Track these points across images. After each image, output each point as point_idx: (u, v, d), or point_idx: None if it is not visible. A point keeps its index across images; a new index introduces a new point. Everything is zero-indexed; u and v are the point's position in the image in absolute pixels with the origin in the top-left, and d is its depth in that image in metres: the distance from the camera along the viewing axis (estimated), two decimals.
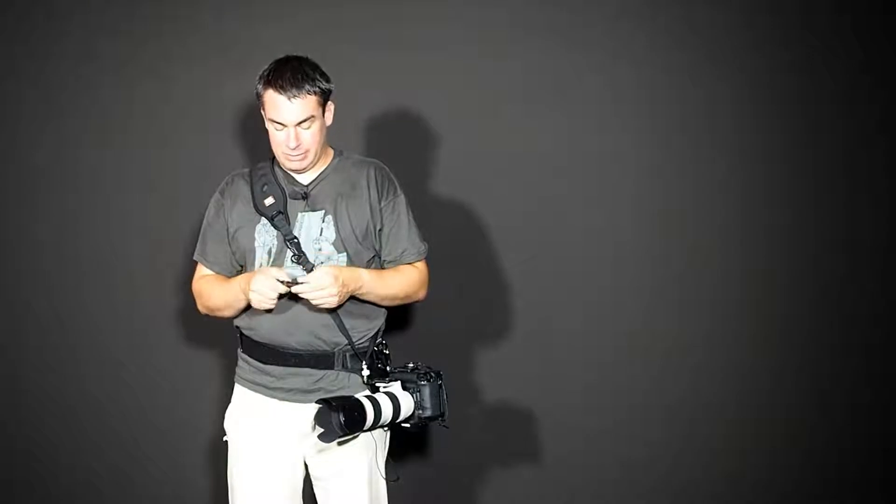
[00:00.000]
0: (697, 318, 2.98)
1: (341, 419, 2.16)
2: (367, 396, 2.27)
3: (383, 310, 2.47)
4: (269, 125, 2.34)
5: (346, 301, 2.33)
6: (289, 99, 2.28)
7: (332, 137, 2.44)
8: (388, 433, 2.48)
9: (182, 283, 3.00)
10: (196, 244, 2.51)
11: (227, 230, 2.43)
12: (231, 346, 2.59)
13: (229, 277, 2.45)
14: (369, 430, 2.26)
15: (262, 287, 2.25)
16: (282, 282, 2.24)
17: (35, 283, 3.17)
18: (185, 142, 3.10)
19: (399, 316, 2.91)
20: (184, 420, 3.14)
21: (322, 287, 2.25)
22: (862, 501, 2.96)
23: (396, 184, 2.48)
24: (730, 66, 2.93)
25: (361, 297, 2.38)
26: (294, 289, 2.25)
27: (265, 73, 2.32)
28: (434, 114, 3.01)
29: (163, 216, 3.11)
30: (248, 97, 2.94)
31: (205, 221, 2.49)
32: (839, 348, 2.95)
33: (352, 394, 2.30)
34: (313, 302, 2.27)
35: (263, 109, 2.34)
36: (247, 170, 2.49)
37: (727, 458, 2.99)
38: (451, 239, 2.97)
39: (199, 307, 2.49)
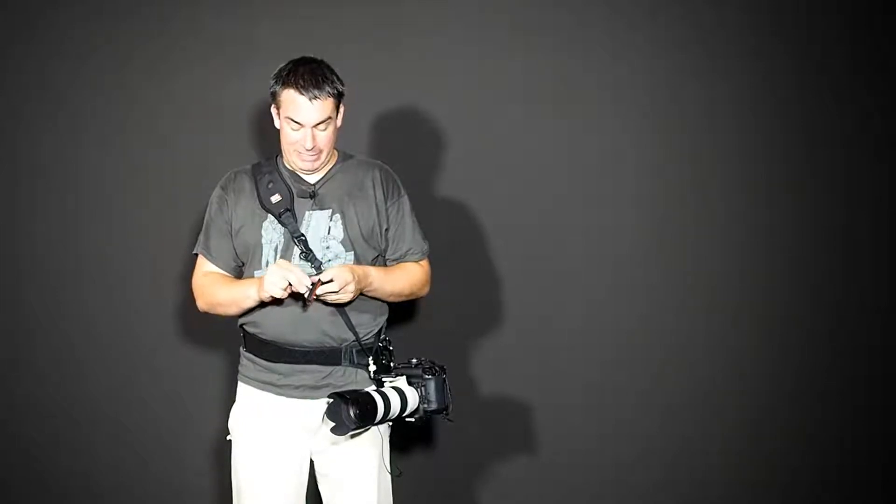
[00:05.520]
0: (697, 318, 2.98)
1: (356, 412, 2.18)
2: (376, 390, 2.30)
3: (387, 306, 2.51)
4: (284, 124, 2.35)
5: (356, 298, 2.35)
6: (310, 100, 2.29)
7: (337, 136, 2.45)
8: (389, 429, 2.51)
9: (182, 283, 3.00)
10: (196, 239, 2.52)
11: (231, 226, 2.44)
12: (232, 344, 2.59)
13: (232, 275, 2.46)
14: (379, 423, 2.29)
15: (281, 269, 2.24)
16: (305, 291, 2.24)
17: (35, 283, 3.18)
18: (185, 142, 3.10)
19: (400, 315, 2.92)
20: (185, 419, 3.14)
21: (346, 284, 2.26)
22: (862, 501, 2.96)
23: (400, 185, 2.51)
24: (730, 66, 2.94)
25: (369, 294, 2.40)
26: (320, 290, 2.24)
27: (283, 73, 2.33)
28: (435, 114, 3.01)
29: (163, 216, 3.11)
30: (248, 97, 2.96)
31: (207, 216, 2.49)
32: (839, 349, 2.95)
33: (360, 388, 2.33)
34: (331, 300, 2.28)
35: (278, 108, 2.36)
36: (248, 166, 2.50)
37: (727, 458, 2.99)
38: (453, 238, 2.98)
39: (200, 303, 2.48)
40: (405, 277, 2.48)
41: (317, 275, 2.29)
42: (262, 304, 2.36)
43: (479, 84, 3.01)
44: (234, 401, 2.51)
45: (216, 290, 2.42)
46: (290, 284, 2.23)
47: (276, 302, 2.32)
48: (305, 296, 2.24)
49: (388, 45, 3.02)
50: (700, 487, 3.00)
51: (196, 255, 2.50)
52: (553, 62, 2.98)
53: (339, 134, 2.44)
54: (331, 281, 2.24)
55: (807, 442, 2.97)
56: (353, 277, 2.28)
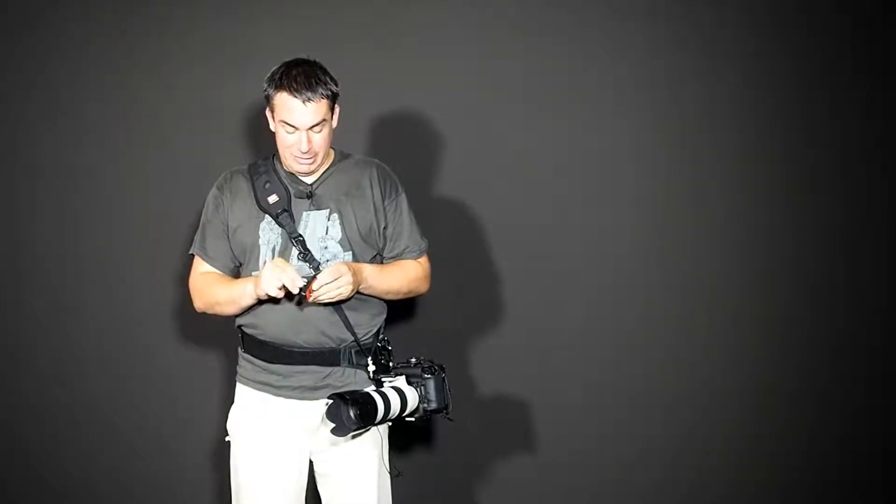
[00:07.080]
0: (697, 319, 2.98)
1: (356, 413, 2.18)
2: (375, 391, 2.30)
3: (385, 306, 2.50)
4: (279, 127, 2.34)
5: (353, 295, 2.34)
6: (303, 103, 2.28)
7: (333, 137, 2.44)
8: (388, 429, 2.50)
9: (182, 283, 2.99)
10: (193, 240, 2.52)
11: (227, 226, 2.44)
12: (231, 345, 2.59)
13: (229, 276, 2.46)
14: (379, 423, 2.29)
15: (276, 269, 2.24)
16: (300, 290, 2.23)
17: (35, 283, 3.18)
18: (185, 142, 3.10)
19: (399, 314, 2.92)
20: (184, 420, 3.14)
21: (340, 276, 2.25)
22: (862, 502, 2.96)
23: (398, 182, 2.51)
24: (730, 66, 2.93)
25: (366, 292, 2.39)
26: (315, 285, 2.23)
27: (276, 76, 2.32)
28: (434, 113, 3.01)
29: (163, 216, 3.11)
30: (248, 97, 2.96)
31: (203, 217, 2.49)
32: (839, 349, 2.95)
33: (360, 388, 2.33)
34: (329, 296, 2.26)
35: (273, 111, 2.35)
36: (245, 167, 2.50)
37: (727, 458, 2.98)
38: (452, 238, 2.97)
39: (197, 303, 2.48)
40: (402, 274, 2.47)
41: (315, 275, 2.29)
42: (260, 303, 2.36)
43: (479, 84, 3.00)
44: (232, 401, 2.51)
45: (214, 290, 2.42)
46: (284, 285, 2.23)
47: (273, 300, 2.32)
48: (303, 294, 2.24)
49: (387, 45, 3.02)
50: (700, 487, 3.00)
51: (193, 255, 2.50)
52: (553, 62, 2.98)
53: (339, 133, 2.43)
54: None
55: (807, 442, 2.97)
56: (348, 269, 2.27)
